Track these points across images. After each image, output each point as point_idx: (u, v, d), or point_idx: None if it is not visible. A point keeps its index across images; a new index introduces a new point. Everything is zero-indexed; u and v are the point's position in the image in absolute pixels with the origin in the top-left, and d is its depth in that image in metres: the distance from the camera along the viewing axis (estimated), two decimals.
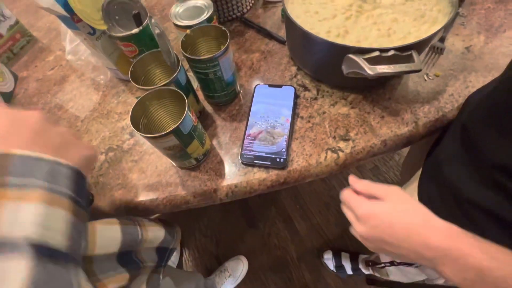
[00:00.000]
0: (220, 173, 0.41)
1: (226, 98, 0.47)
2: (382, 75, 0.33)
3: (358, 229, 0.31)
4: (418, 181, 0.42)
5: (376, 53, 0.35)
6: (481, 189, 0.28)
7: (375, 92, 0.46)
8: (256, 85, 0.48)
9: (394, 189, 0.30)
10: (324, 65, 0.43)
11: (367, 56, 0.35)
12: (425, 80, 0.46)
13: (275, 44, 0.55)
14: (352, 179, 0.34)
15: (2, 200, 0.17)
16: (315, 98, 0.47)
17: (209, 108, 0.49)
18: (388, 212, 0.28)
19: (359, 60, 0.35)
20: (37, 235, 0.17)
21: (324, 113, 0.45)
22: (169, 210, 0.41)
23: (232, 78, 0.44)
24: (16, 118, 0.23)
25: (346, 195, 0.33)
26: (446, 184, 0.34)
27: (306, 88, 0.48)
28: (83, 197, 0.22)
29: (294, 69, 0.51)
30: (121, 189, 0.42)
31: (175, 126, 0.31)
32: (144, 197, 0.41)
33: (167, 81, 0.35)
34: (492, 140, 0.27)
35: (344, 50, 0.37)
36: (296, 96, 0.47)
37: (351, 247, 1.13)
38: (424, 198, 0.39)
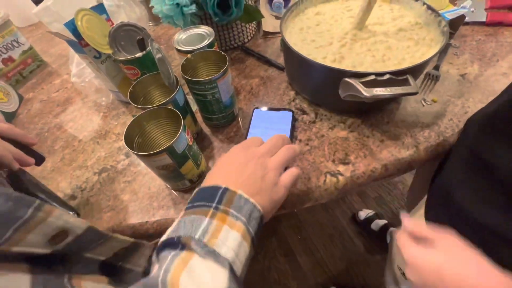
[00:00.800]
0: None
1: (224, 120, 0.47)
2: (379, 97, 0.33)
3: (408, 275, 0.28)
4: (425, 207, 0.40)
5: (372, 77, 0.35)
6: (500, 214, 0.26)
7: (374, 116, 0.46)
8: (255, 108, 0.49)
9: (447, 236, 0.28)
10: (322, 89, 0.44)
11: (363, 80, 0.36)
12: (423, 105, 0.46)
13: (274, 70, 0.57)
14: (403, 216, 0.32)
15: (224, 223, 0.24)
16: (314, 122, 0.46)
17: (207, 130, 0.49)
18: (437, 261, 0.26)
19: (355, 83, 0.35)
20: (231, 259, 0.22)
21: (322, 136, 0.44)
22: (159, 234, 0.39)
23: (230, 101, 0.44)
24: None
25: (398, 235, 0.31)
26: (457, 210, 0.32)
27: (304, 112, 0.48)
28: (258, 237, 0.27)
29: (292, 93, 0.52)
30: (111, 211, 0.40)
31: (169, 144, 0.31)
32: (133, 219, 0.39)
33: (165, 101, 0.35)
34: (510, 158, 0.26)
35: (341, 74, 0.37)
36: (295, 119, 0.47)
37: (357, 283, 1.04)
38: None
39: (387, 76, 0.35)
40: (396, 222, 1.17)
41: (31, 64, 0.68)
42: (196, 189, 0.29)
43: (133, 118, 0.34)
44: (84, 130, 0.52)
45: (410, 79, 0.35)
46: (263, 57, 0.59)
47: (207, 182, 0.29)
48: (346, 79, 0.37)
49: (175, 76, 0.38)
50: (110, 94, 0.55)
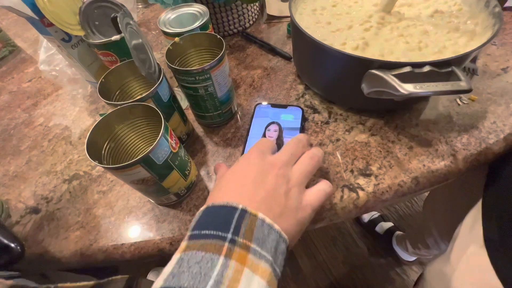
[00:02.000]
0: None
1: (220, 119, 0.39)
2: (420, 95, 0.26)
3: None
4: (484, 231, 0.33)
5: (407, 69, 0.27)
6: None
7: (399, 117, 0.38)
8: (257, 104, 0.41)
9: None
10: (339, 83, 0.36)
11: (395, 72, 0.28)
12: (459, 104, 0.38)
13: (279, 60, 0.49)
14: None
15: (244, 265, 0.18)
16: (327, 122, 0.39)
17: (199, 130, 0.41)
18: None
19: (387, 76, 0.27)
20: None
21: (338, 140, 0.37)
22: (137, 259, 0.32)
23: (227, 96, 0.37)
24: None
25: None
26: None
27: (315, 110, 0.41)
28: (283, 278, 0.20)
29: (301, 87, 0.44)
30: (80, 229, 0.33)
31: (143, 154, 0.23)
32: (106, 241, 0.32)
33: (143, 95, 0.28)
34: None
35: (366, 64, 0.29)
36: (304, 119, 0.39)
37: None
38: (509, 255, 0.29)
39: (427, 68, 0.27)
40: (402, 225, 1.12)
41: (1, 49, 0.60)
42: (203, 208, 0.22)
43: (100, 118, 0.26)
44: (56, 127, 0.45)
45: (459, 72, 0.27)
46: (267, 45, 0.51)
47: (216, 197, 0.22)
48: (373, 71, 0.29)
49: (157, 64, 0.31)
50: (88, 85, 0.47)
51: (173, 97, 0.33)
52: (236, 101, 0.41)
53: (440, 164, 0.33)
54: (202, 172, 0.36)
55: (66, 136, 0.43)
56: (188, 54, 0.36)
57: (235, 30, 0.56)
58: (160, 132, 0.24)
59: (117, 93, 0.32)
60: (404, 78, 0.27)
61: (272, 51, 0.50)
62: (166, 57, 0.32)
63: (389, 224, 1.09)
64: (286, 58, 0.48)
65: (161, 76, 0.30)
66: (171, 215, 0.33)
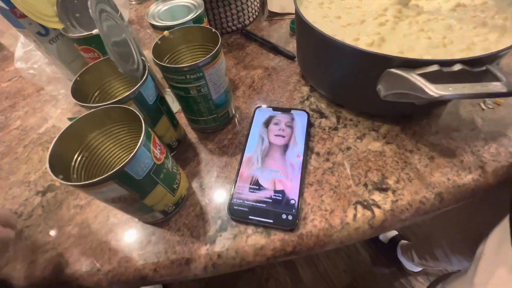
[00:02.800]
0: (197, 233, 0.28)
1: (215, 124, 0.35)
2: (452, 98, 0.22)
3: None
4: None
5: (434, 67, 0.23)
6: None
7: (416, 122, 0.34)
8: (257, 107, 0.37)
9: None
10: (350, 84, 0.32)
11: (420, 71, 0.24)
12: (483, 109, 0.34)
13: (282, 59, 0.45)
14: None
15: None
16: (335, 128, 0.35)
17: (192, 135, 0.37)
18: None
19: (411, 77, 0.23)
20: None
21: (348, 148, 0.32)
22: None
23: (223, 98, 0.32)
24: None
25: None
26: None
27: (322, 115, 0.36)
28: None
29: (306, 89, 0.40)
30: (50, 251, 0.28)
31: (117, 168, 0.19)
32: (80, 266, 0.27)
33: (122, 96, 0.23)
34: None
35: (385, 62, 0.25)
36: (310, 125, 0.35)
37: None
38: None
39: (458, 67, 0.23)
40: (407, 234, 1.07)
41: None
42: None
43: (69, 124, 0.22)
44: (33, 132, 0.40)
45: (496, 72, 0.23)
46: (268, 43, 0.47)
47: None
48: (394, 70, 0.25)
49: (142, 61, 0.26)
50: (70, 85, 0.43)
51: (160, 99, 0.29)
52: (233, 103, 0.37)
53: (467, 178, 0.29)
54: (194, 184, 0.32)
55: (44, 141, 0.39)
56: (179, 51, 0.32)
57: (233, 28, 0.52)
58: (139, 141, 0.20)
59: (96, 94, 0.28)
60: (429, 79, 0.23)
61: (274, 49, 0.46)
62: (153, 53, 0.28)
63: (394, 233, 1.05)
64: (289, 57, 0.44)
65: (145, 74, 0.25)
66: (156, 235, 0.28)
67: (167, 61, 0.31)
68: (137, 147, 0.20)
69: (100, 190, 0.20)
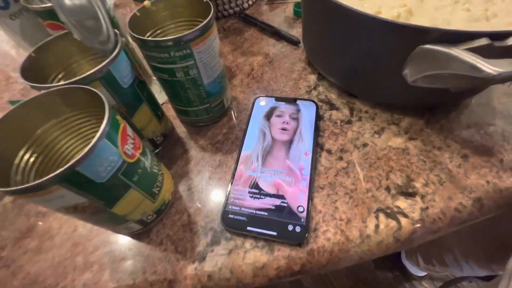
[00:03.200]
0: (183, 248, 0.23)
1: (208, 116, 0.30)
2: None
3: None
4: None
5: (484, 41, 0.18)
6: None
7: (443, 115, 0.29)
8: (256, 97, 0.32)
9: None
10: (369, 68, 0.27)
11: (464, 46, 0.19)
12: None
13: (285, 45, 0.40)
14: None
15: None
16: (349, 122, 0.30)
17: (181, 129, 0.32)
18: None
19: (457, 53, 0.18)
20: None
21: (365, 145, 0.27)
22: None
23: (217, 85, 0.27)
24: None
25: None
26: None
27: (332, 106, 0.31)
28: None
29: (313, 78, 0.35)
30: (2, 268, 0.23)
31: (64, 168, 0.13)
32: (38, 286, 0.22)
33: (86, 74, 0.18)
34: None
35: (418, 36, 0.20)
36: (319, 118, 0.30)
37: None
38: None
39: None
40: None
41: None
42: None
43: (9, 110, 0.16)
44: None
45: None
46: (269, 27, 0.42)
47: None
48: (429, 46, 0.20)
49: (115, 34, 0.21)
50: None
51: (139, 83, 0.23)
52: (229, 93, 0.32)
53: (510, 181, 0.24)
54: (182, 187, 0.26)
55: None
56: (164, 28, 0.27)
57: (231, 11, 0.46)
58: (103, 129, 0.15)
59: (59, 76, 0.23)
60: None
61: (276, 34, 0.41)
62: (129, 26, 0.22)
63: None
64: (293, 42, 0.39)
65: (118, 49, 0.20)
66: (133, 250, 0.23)
67: (146, 35, 0.26)
68: (95, 138, 0.14)
69: (45, 198, 0.14)
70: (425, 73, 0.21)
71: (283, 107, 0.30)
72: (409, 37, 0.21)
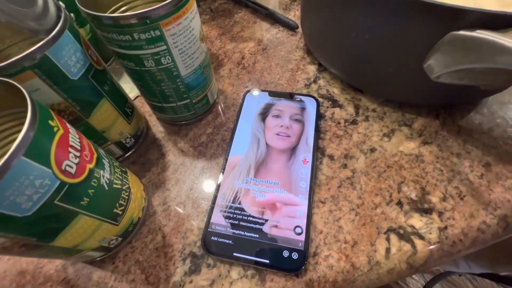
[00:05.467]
0: (156, 277, 0.18)
1: (189, 113, 0.25)
2: None
3: None
4: None
5: None
6: None
7: (461, 115, 0.25)
8: (247, 91, 0.27)
9: None
10: (380, 57, 0.22)
11: (499, 34, 0.15)
12: None
13: (280, 30, 0.35)
14: None
15: None
16: (354, 122, 0.26)
17: (158, 128, 0.27)
18: None
19: (502, 40, 0.14)
20: None
21: (372, 150, 0.24)
22: None
23: (200, 76, 0.22)
24: None
25: None
26: None
27: (335, 103, 0.27)
28: None
29: (312, 69, 0.30)
30: None
31: None
32: None
33: (6, 62, 0.13)
34: None
35: (451, 18, 0.16)
36: (320, 116, 0.26)
37: None
38: None
39: None
40: None
41: None
42: None
43: None
44: None
45: None
46: (263, 9, 0.36)
47: None
48: (467, 33, 0.16)
49: (56, 3, 0.16)
50: None
51: (96, 72, 0.18)
52: (215, 85, 0.27)
53: None
54: (156, 201, 0.22)
55: None
56: (130, 5, 0.22)
57: None
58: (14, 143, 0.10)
59: None
60: None
61: (271, 17, 0.36)
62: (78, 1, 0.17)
63: None
64: (290, 27, 0.34)
65: (58, 27, 0.15)
66: (94, 280, 0.19)
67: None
68: (4, 157, 0.10)
69: None
70: (456, 67, 0.17)
71: (282, 104, 0.26)
72: (439, 20, 0.17)
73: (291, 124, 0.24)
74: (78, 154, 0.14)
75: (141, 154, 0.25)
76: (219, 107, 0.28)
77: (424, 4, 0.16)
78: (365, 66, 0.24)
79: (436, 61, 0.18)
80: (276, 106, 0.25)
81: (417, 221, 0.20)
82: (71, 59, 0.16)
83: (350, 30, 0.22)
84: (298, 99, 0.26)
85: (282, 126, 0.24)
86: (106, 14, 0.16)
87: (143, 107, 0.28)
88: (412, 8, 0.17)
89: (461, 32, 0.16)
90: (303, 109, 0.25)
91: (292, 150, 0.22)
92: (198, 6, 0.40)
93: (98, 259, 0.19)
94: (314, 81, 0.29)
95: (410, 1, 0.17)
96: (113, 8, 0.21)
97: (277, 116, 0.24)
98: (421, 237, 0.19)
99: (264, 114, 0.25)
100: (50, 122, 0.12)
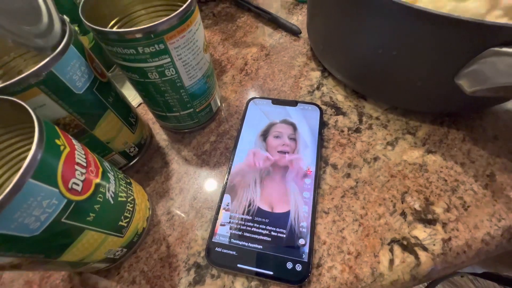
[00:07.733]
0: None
1: (192, 122, 0.25)
2: None
3: None
4: None
5: None
6: None
7: (466, 123, 0.25)
8: (251, 99, 0.27)
9: None
10: (394, 67, 0.22)
11: None
12: None
13: (283, 35, 0.35)
14: None
15: None
16: (357, 130, 0.25)
17: (161, 136, 0.27)
18: None
19: None
20: None
21: (376, 159, 0.24)
22: None
23: (203, 86, 0.22)
24: None
25: None
26: None
27: (338, 110, 0.27)
28: None
29: (316, 75, 0.30)
30: None
31: None
32: None
33: (13, 80, 0.13)
34: None
35: (491, 35, 0.16)
36: (323, 124, 0.26)
37: None
38: None
39: None
40: None
41: None
42: None
43: None
44: None
45: None
46: (266, 13, 0.36)
47: None
48: (508, 49, 0.15)
49: (61, 19, 0.16)
50: None
51: (100, 85, 0.18)
52: (219, 93, 0.27)
53: None
54: (161, 210, 0.22)
55: None
56: (133, 16, 0.22)
57: None
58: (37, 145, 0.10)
59: None
60: None
61: (274, 22, 0.36)
62: (82, 11, 0.17)
63: None
64: (294, 32, 0.34)
65: (63, 43, 0.15)
66: None
67: (114, 29, 0.21)
68: (12, 183, 0.10)
69: None
70: (497, 83, 0.16)
71: (281, 110, 0.26)
72: (475, 37, 0.16)
73: (290, 143, 0.24)
74: (84, 170, 0.14)
75: (145, 163, 0.25)
76: (222, 114, 0.28)
77: (464, 22, 0.16)
78: (373, 72, 0.24)
79: (473, 76, 0.18)
80: (276, 128, 0.25)
81: (421, 232, 0.20)
82: (76, 73, 0.16)
83: (376, 47, 0.21)
84: (300, 107, 0.26)
85: (283, 145, 0.23)
86: (112, 30, 0.16)
87: (146, 114, 0.29)
88: (453, 27, 0.16)
89: (504, 49, 0.16)
90: (298, 116, 0.25)
91: (296, 162, 0.22)
92: (201, 10, 0.40)
93: (103, 269, 0.19)
94: (317, 88, 0.29)
95: (454, 20, 0.16)
96: (116, 19, 0.21)
97: (278, 137, 0.24)
98: (425, 249, 0.19)
99: (265, 135, 0.24)
100: (56, 141, 0.13)
